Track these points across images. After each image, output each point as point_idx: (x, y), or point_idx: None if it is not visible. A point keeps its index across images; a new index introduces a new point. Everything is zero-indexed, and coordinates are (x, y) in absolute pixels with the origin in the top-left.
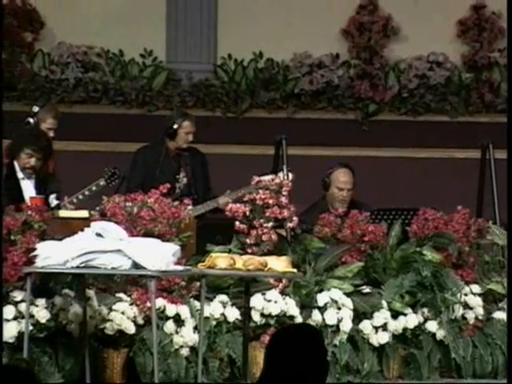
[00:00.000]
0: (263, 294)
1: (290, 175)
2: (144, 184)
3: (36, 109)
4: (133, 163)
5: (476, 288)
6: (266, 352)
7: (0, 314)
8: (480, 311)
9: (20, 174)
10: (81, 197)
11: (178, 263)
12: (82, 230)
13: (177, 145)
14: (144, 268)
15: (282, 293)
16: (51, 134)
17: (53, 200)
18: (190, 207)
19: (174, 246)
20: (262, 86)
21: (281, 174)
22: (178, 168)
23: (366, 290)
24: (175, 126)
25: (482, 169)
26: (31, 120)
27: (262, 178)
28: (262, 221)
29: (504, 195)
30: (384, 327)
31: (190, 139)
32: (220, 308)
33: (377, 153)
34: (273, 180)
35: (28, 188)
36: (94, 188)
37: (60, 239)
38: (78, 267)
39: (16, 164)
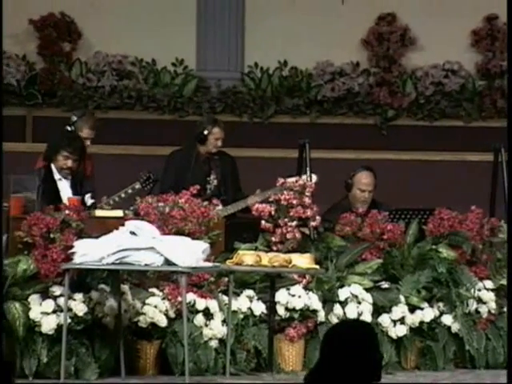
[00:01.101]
0: (288, 289)
1: (314, 177)
2: (176, 186)
3: (74, 118)
4: (166, 166)
5: (489, 284)
6: (323, 344)
7: (1, 311)
8: (493, 305)
9: (57, 176)
10: (117, 199)
11: (207, 260)
12: (117, 228)
13: (207, 149)
14: (175, 264)
15: (306, 288)
16: (88, 143)
17: (88, 199)
18: (220, 207)
19: (203, 243)
20: (286, 92)
21: (304, 177)
22: (209, 170)
23: (385, 285)
24: (205, 132)
25: (495, 171)
26: (69, 129)
27: (288, 179)
28: (286, 220)
29: None
30: (402, 320)
31: (219, 144)
32: (247, 302)
33: (395, 156)
34: (296, 181)
35: (65, 189)
36: (129, 191)
37: (96, 237)
38: (113, 264)
39: (53, 166)
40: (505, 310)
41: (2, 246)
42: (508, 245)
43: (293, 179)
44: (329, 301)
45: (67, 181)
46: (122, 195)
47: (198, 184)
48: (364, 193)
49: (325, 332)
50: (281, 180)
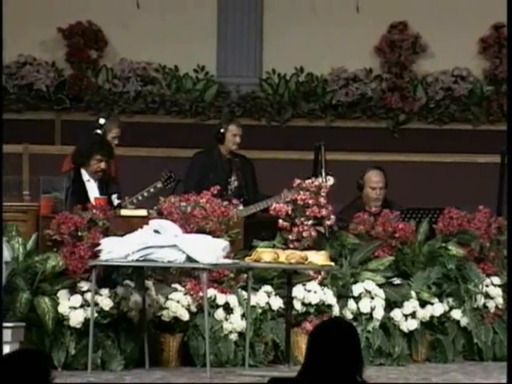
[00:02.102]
0: (304, 284)
1: (332, 179)
2: (199, 186)
3: (102, 121)
4: (190, 167)
5: (496, 280)
6: (310, 343)
7: (0, 310)
8: (500, 301)
9: (85, 177)
10: (140, 197)
11: (227, 257)
12: (141, 227)
13: (227, 147)
14: (197, 261)
15: (321, 284)
16: (116, 141)
17: (114, 199)
18: (241, 207)
19: (223, 241)
20: (302, 97)
21: (320, 179)
22: (230, 172)
23: (397, 281)
24: (222, 130)
25: (502, 172)
26: (99, 131)
27: (307, 181)
28: (302, 219)
29: None
30: (413, 315)
31: (237, 141)
32: (265, 297)
33: (406, 158)
34: (312, 182)
35: (93, 189)
36: (152, 190)
37: (122, 235)
38: (137, 260)
39: (82, 169)
40: None
41: (2, 245)
42: (508, 244)
43: (309, 180)
44: (343, 296)
45: (95, 182)
46: (145, 194)
47: (220, 184)
48: (375, 190)
49: (311, 331)
50: (297, 181)
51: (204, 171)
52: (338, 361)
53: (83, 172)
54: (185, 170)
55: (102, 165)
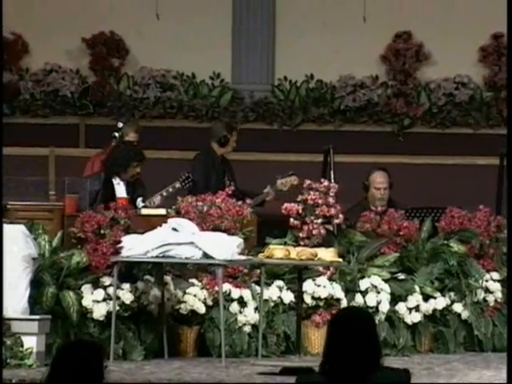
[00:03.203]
0: (314, 279)
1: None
2: (206, 186)
3: (120, 125)
4: (198, 168)
5: (495, 275)
6: (330, 331)
7: (0, 308)
8: (499, 295)
9: (115, 181)
10: (159, 197)
11: (241, 253)
12: (161, 225)
13: (226, 151)
14: (213, 258)
15: (330, 279)
16: None
17: (139, 202)
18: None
19: (237, 238)
20: (312, 103)
21: (327, 182)
22: (224, 172)
23: (401, 276)
24: (228, 136)
25: (500, 173)
26: (116, 134)
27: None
28: (312, 218)
29: None
30: (416, 308)
31: (234, 145)
32: (277, 292)
33: (410, 160)
34: (322, 183)
35: (120, 191)
36: (170, 190)
37: (142, 233)
38: (157, 257)
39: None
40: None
41: (2, 244)
42: (508, 242)
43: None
44: (351, 290)
45: (124, 184)
46: (164, 193)
47: (221, 184)
48: (379, 190)
49: (330, 319)
50: (308, 182)
51: (208, 171)
52: (358, 348)
53: (114, 177)
54: (193, 170)
55: (138, 169)
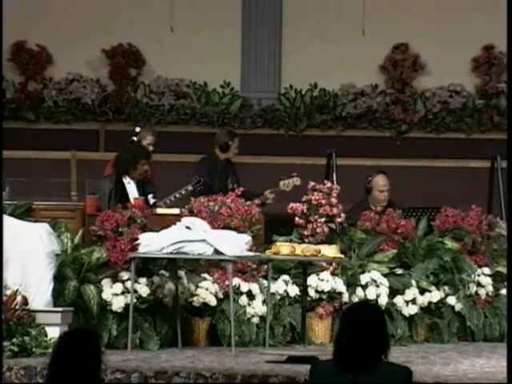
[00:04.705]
0: (317, 274)
1: (298, 180)
2: (209, 189)
3: (138, 129)
4: (201, 171)
5: (487, 270)
6: (342, 323)
7: (0, 304)
8: (490, 288)
9: (126, 180)
10: (172, 198)
11: (249, 250)
12: (175, 223)
13: (227, 156)
14: (223, 254)
15: (333, 274)
16: (151, 148)
17: (150, 199)
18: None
19: (246, 236)
20: (316, 110)
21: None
22: (227, 176)
23: (399, 271)
24: (230, 143)
25: (491, 175)
26: (135, 138)
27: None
28: (316, 217)
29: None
30: (413, 301)
31: (236, 152)
32: (283, 285)
33: (407, 163)
34: (325, 185)
35: (132, 190)
36: (183, 192)
37: (157, 231)
38: (171, 253)
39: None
40: (500, 292)
41: (2, 243)
42: (508, 241)
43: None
44: (352, 284)
45: (134, 184)
46: (177, 195)
47: (223, 186)
48: (383, 193)
49: (342, 312)
50: (311, 183)
51: (210, 175)
52: (367, 340)
53: (124, 176)
54: (196, 173)
55: (145, 167)
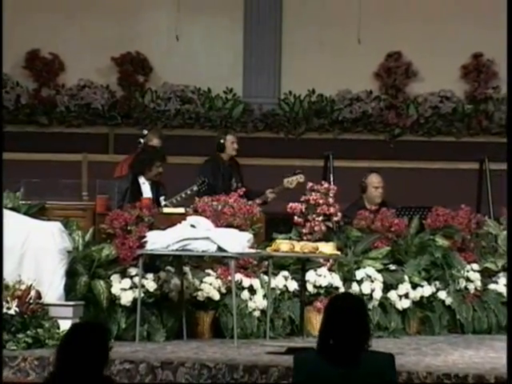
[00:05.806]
0: (315, 270)
1: (302, 177)
2: (213, 190)
3: (145, 132)
4: (204, 172)
5: (475, 266)
6: (325, 315)
7: (0, 307)
8: (478, 284)
9: (141, 180)
10: (178, 198)
11: (251, 247)
12: (180, 222)
13: (227, 154)
14: (226, 251)
15: (330, 269)
16: None
17: (162, 201)
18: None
19: (248, 234)
20: (314, 114)
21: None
22: (231, 176)
23: (393, 267)
24: (222, 141)
25: (480, 177)
26: (142, 140)
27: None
28: (314, 216)
29: (496, 196)
30: (406, 295)
31: (235, 147)
32: (283, 281)
33: (400, 164)
34: (322, 185)
35: (146, 190)
36: (188, 192)
37: (164, 229)
38: (177, 250)
39: (142, 175)
40: (488, 287)
41: (2, 242)
42: (508, 241)
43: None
44: (348, 280)
45: (148, 184)
46: (183, 195)
47: (226, 186)
48: (378, 189)
49: (325, 305)
50: (310, 184)
51: (213, 176)
52: (350, 330)
53: (139, 176)
54: (200, 174)
55: (160, 169)
